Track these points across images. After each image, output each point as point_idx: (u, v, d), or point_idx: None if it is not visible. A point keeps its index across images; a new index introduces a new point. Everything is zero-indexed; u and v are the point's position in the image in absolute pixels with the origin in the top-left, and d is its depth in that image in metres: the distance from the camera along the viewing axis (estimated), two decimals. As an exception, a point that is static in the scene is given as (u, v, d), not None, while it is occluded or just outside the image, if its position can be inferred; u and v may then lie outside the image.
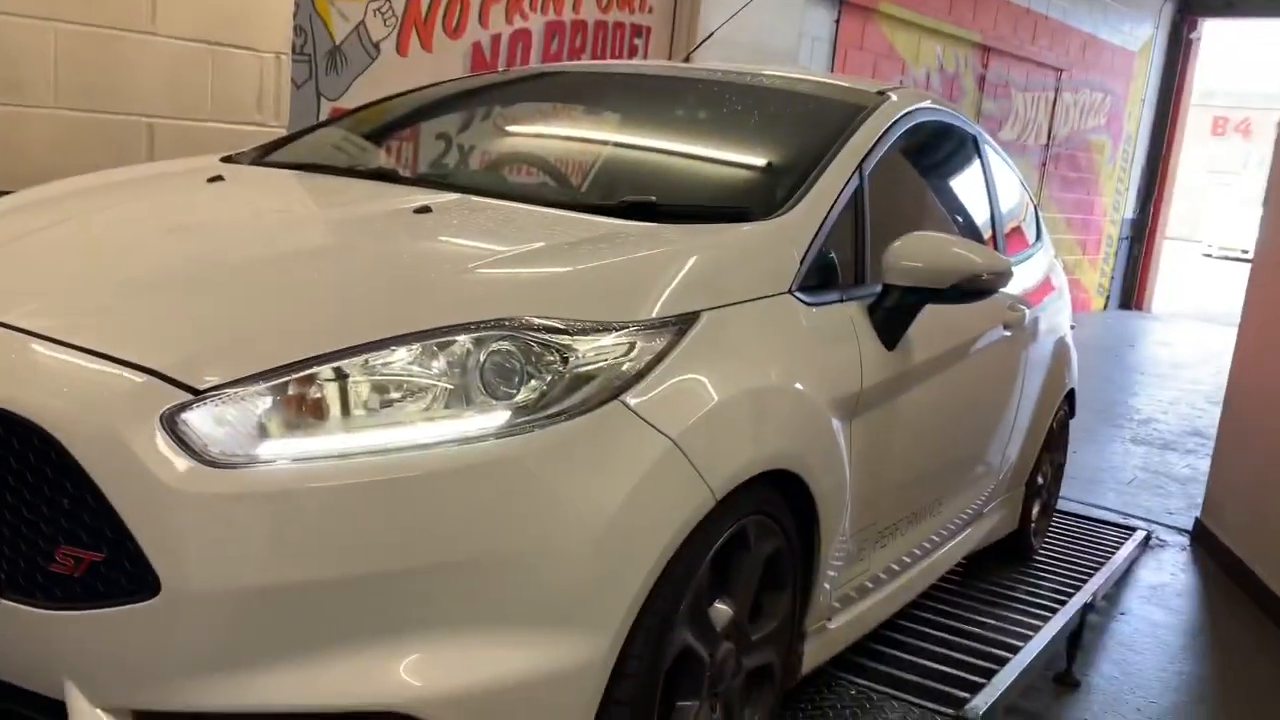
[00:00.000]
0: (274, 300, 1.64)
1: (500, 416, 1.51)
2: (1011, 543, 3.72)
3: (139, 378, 1.45)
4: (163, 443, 1.39)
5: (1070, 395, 3.94)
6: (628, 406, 1.60)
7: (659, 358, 1.68)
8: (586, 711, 1.55)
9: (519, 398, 1.54)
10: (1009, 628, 3.12)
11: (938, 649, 2.84)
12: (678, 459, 1.62)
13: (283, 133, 2.78)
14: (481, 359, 1.55)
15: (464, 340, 1.56)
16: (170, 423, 1.40)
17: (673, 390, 1.67)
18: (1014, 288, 3.25)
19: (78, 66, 3.13)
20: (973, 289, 2.30)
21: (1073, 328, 4.01)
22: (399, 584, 1.43)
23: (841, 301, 2.23)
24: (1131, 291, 12.74)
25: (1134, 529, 4.47)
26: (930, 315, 2.39)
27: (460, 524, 1.46)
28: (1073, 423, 4.15)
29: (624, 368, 1.63)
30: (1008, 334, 3.09)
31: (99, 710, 1.38)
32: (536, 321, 1.60)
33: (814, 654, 2.27)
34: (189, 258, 1.78)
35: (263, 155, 2.58)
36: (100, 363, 1.47)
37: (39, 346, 1.51)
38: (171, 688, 1.38)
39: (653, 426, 1.61)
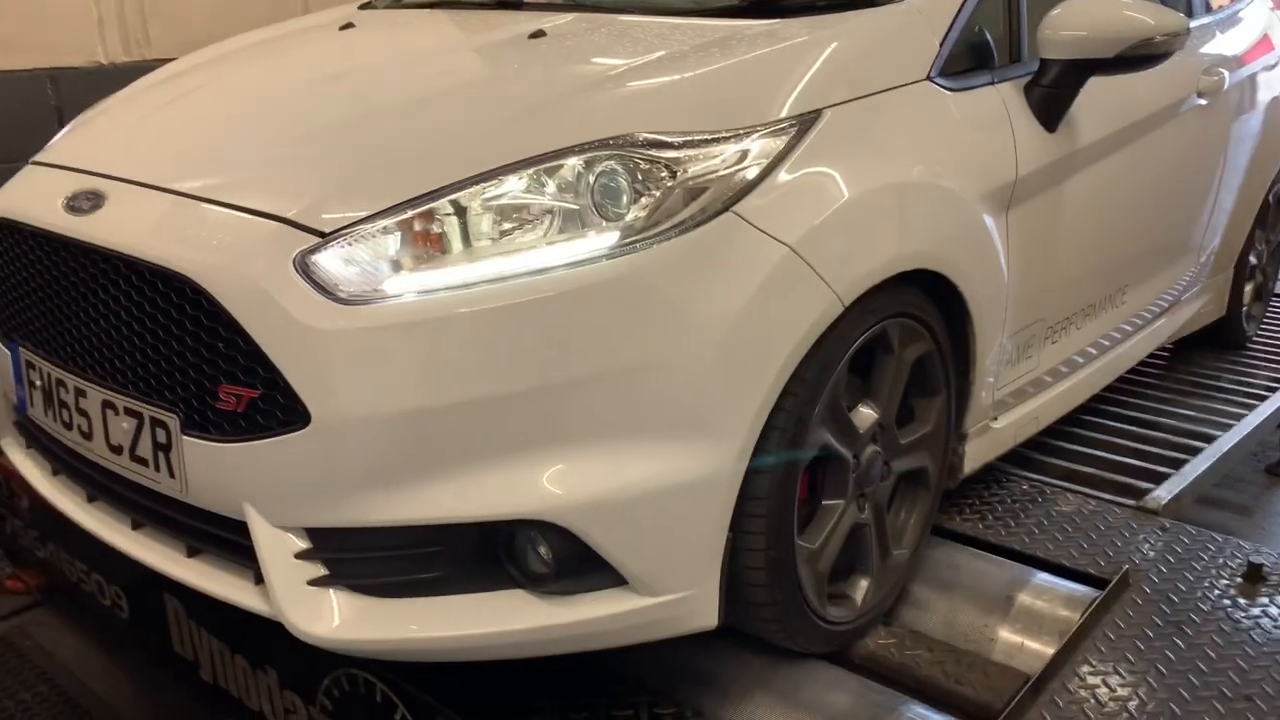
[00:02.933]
0: (393, 140, 1.69)
1: (611, 237, 1.52)
2: (1220, 330, 3.48)
3: (271, 226, 1.54)
4: (297, 285, 1.48)
5: (1292, 166, 3.56)
6: (741, 216, 1.57)
7: (775, 163, 1.63)
8: (721, 512, 1.60)
9: (628, 216, 1.54)
10: (1209, 418, 2.96)
11: (1124, 442, 2.74)
12: (797, 265, 1.59)
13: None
14: (591, 181, 1.56)
15: (572, 163, 1.56)
16: (303, 266, 1.49)
17: (791, 196, 1.63)
18: (1215, 49, 2.94)
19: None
20: (1143, 55, 2.09)
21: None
22: (529, 403, 1.49)
23: (993, 84, 2.08)
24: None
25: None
26: (1101, 88, 2.21)
27: (582, 343, 1.50)
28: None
29: (736, 177, 1.59)
30: (1203, 102, 2.81)
31: (274, 528, 1.54)
32: (642, 138, 1.58)
33: (978, 454, 2.23)
34: (313, 107, 1.85)
35: (400, -2, 2.61)
36: (238, 215, 1.57)
37: (183, 205, 1.63)
38: (334, 506, 1.52)
39: (768, 235, 1.58)
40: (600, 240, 1.52)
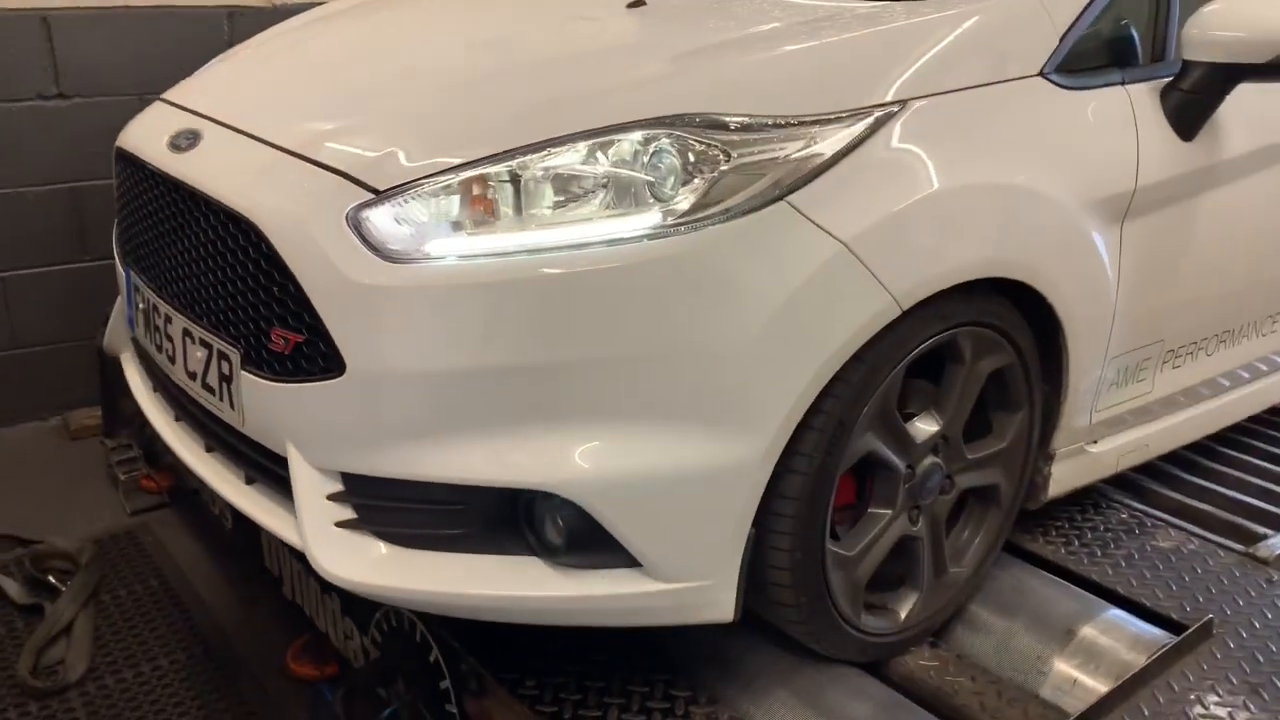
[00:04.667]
0: (463, 102, 1.72)
1: (654, 217, 1.51)
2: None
3: (333, 180, 1.59)
4: (347, 239, 1.53)
5: None
6: (795, 207, 1.52)
7: (841, 155, 1.57)
8: (744, 507, 1.57)
9: (676, 197, 1.52)
10: (1360, 465, 2.68)
11: (1252, 479, 2.52)
12: (849, 263, 1.54)
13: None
14: (646, 158, 1.54)
15: (628, 139, 1.55)
16: (355, 221, 1.54)
17: (855, 190, 1.57)
18: None
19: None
20: (1302, 61, 1.90)
21: None
22: (554, 377, 1.49)
23: (1122, 84, 1.93)
24: None
25: None
26: (1253, 96, 2.02)
27: (616, 321, 1.49)
28: None
29: (796, 166, 1.54)
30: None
31: (312, 468, 1.61)
32: (699, 118, 1.55)
33: (1068, 477, 2.11)
34: (404, 66, 1.90)
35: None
36: (307, 166, 1.64)
37: (262, 152, 1.71)
38: (367, 455, 1.57)
39: (821, 228, 1.53)
40: (645, 219, 1.51)
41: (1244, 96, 2.01)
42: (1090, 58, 1.90)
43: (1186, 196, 2.04)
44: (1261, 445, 2.72)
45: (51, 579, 2.65)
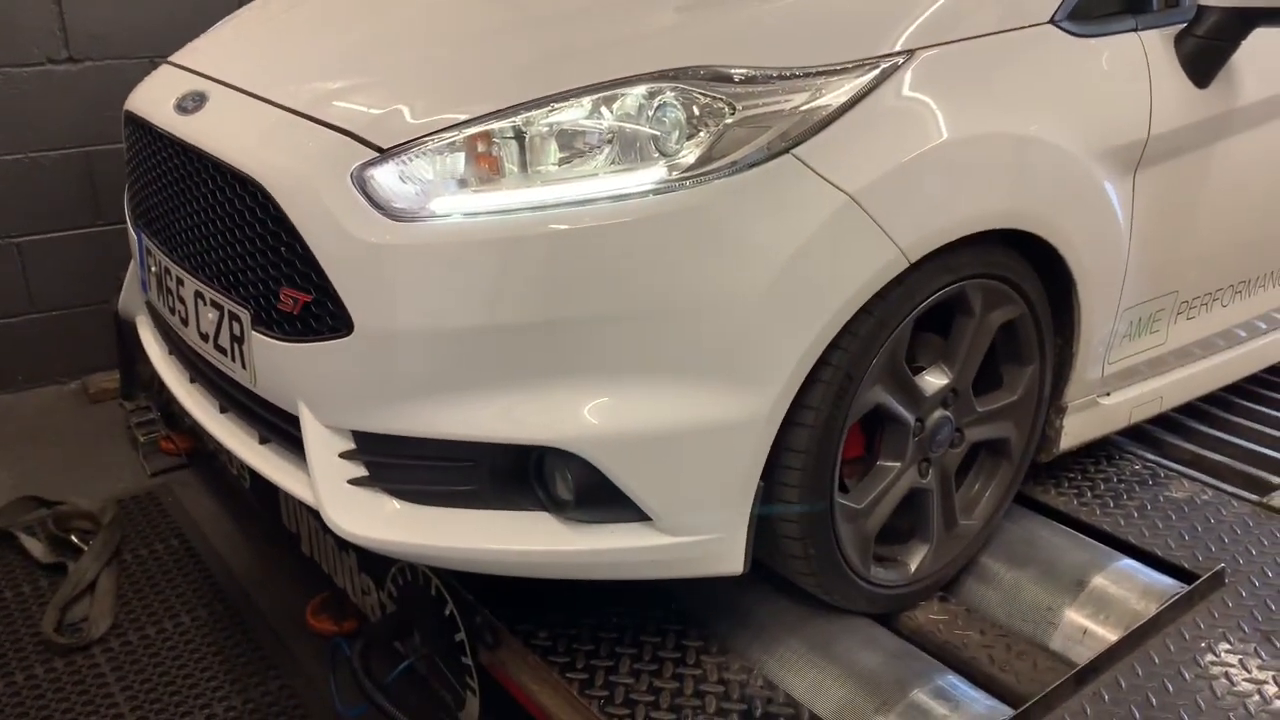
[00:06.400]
0: (467, 58, 1.71)
1: (660, 172, 1.50)
2: None
3: (338, 139, 1.59)
4: (352, 197, 1.53)
5: None
6: (801, 160, 1.51)
7: (847, 106, 1.55)
8: (752, 460, 1.57)
9: (682, 151, 1.51)
10: (1381, 416, 2.67)
11: (1265, 429, 2.50)
12: (856, 215, 1.53)
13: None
14: (651, 113, 1.53)
15: (633, 93, 1.54)
16: (360, 179, 1.54)
17: (861, 141, 1.55)
18: None
19: None
20: (1319, 6, 1.87)
21: None
22: (561, 334, 1.50)
23: (1135, 30, 1.90)
24: None
25: None
26: (1270, 40, 1.99)
27: (622, 277, 1.49)
28: None
29: (802, 118, 1.53)
30: None
31: (323, 427, 1.63)
32: (703, 71, 1.54)
33: (1080, 430, 2.11)
34: (400, 23, 1.90)
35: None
36: (313, 126, 1.64)
37: (269, 113, 1.71)
38: (377, 413, 1.58)
39: (828, 181, 1.52)
40: (650, 174, 1.50)
41: (1260, 42, 1.98)
42: (1103, 4, 1.87)
43: (1201, 145, 2.02)
44: (1278, 396, 2.70)
45: (74, 539, 2.70)
